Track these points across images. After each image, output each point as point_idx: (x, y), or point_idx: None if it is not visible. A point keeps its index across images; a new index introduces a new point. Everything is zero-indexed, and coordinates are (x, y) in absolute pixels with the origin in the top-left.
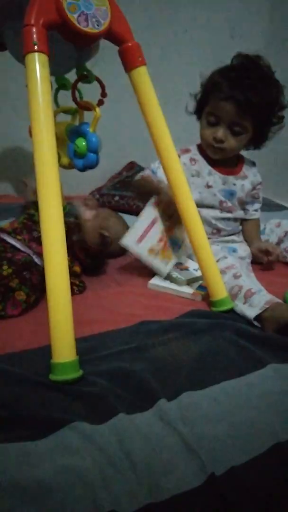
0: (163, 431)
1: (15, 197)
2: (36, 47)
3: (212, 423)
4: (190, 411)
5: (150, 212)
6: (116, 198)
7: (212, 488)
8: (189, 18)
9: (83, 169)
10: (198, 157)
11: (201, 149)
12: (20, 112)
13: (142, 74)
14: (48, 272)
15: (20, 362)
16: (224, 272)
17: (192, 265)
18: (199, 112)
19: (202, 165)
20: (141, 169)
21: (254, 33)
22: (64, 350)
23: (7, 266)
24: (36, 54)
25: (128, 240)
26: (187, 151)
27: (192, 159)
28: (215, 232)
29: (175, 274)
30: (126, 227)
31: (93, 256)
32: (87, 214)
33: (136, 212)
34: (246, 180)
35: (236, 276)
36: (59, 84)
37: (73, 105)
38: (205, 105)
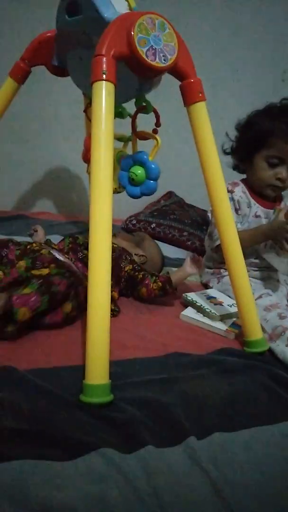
0: (192, 471)
1: (53, 214)
2: (104, 76)
3: (243, 471)
4: (220, 454)
5: None
6: (153, 225)
7: None
8: (241, 57)
9: (139, 196)
10: (245, 190)
11: (244, 184)
12: (67, 135)
13: (200, 109)
14: (91, 295)
15: (50, 378)
16: (269, 309)
17: (227, 300)
18: (248, 155)
19: (250, 198)
20: (179, 199)
21: None
22: (98, 372)
23: (69, 275)
24: (104, 82)
25: None
26: (236, 184)
27: (243, 192)
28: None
29: (209, 308)
30: (160, 253)
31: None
32: (190, 269)
33: (171, 241)
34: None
35: (281, 316)
36: (116, 112)
37: (125, 133)
38: (260, 148)
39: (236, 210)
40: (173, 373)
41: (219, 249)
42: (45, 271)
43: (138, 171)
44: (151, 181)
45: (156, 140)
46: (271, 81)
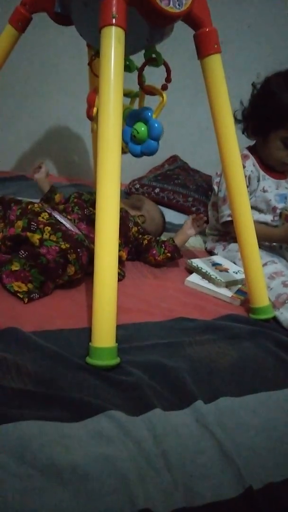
0: (199, 434)
1: (55, 176)
2: (114, 21)
3: (250, 434)
4: (227, 417)
5: None
6: (157, 190)
7: (249, 502)
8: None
9: (140, 155)
10: (255, 162)
11: (252, 154)
12: (71, 91)
13: (216, 62)
14: (97, 257)
15: (56, 340)
16: (272, 277)
17: (232, 267)
18: (263, 130)
19: (259, 170)
20: (183, 163)
21: None
22: (105, 335)
23: (63, 241)
24: (114, 28)
25: None
26: (246, 157)
27: (254, 165)
28: None
29: (214, 275)
30: (161, 213)
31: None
32: (191, 231)
33: (176, 206)
34: None
35: (285, 284)
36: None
37: (132, 88)
38: (279, 127)
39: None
40: (179, 337)
41: (226, 225)
42: (36, 236)
43: (141, 128)
44: (152, 141)
45: (162, 96)
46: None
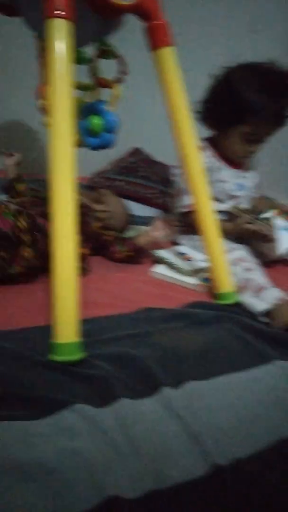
0: (167, 419)
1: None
2: (61, 13)
3: (217, 414)
4: (194, 400)
5: None
6: (120, 182)
7: (216, 479)
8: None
9: (96, 148)
10: (214, 153)
11: (210, 144)
12: (20, 84)
13: (168, 55)
14: (56, 252)
15: (18, 340)
16: (236, 263)
17: (197, 256)
18: (223, 124)
19: (217, 161)
20: (146, 156)
21: (274, 29)
22: (67, 331)
23: (23, 220)
24: (61, 20)
25: None
26: (203, 148)
27: (213, 156)
28: None
29: (179, 264)
30: (124, 207)
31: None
32: (157, 233)
33: (139, 199)
34: (251, 171)
35: (247, 269)
36: (75, 56)
37: (86, 81)
38: (239, 123)
39: None
40: (146, 327)
41: (185, 216)
42: None
43: (96, 121)
44: (108, 134)
45: (116, 88)
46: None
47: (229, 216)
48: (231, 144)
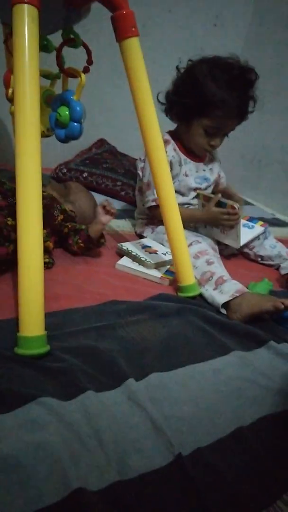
0: (131, 410)
1: None
2: None
3: (179, 405)
4: (158, 392)
5: None
6: (85, 174)
7: (179, 468)
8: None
9: (64, 139)
10: (176, 147)
11: (173, 138)
12: None
13: (133, 45)
14: (21, 244)
15: None
16: (197, 256)
17: (161, 249)
18: (186, 116)
19: (180, 154)
20: (111, 147)
21: (237, 23)
22: (32, 324)
23: (11, 218)
24: (26, 6)
25: None
26: (167, 142)
27: (174, 149)
28: None
29: (144, 257)
30: (92, 203)
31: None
32: (104, 219)
33: (104, 191)
34: (213, 163)
35: (209, 262)
36: (41, 44)
37: (52, 69)
38: (201, 115)
39: None
40: (110, 320)
41: (151, 210)
42: None
43: (64, 111)
44: (75, 123)
45: (80, 77)
46: (203, 24)
47: (199, 201)
48: (194, 137)
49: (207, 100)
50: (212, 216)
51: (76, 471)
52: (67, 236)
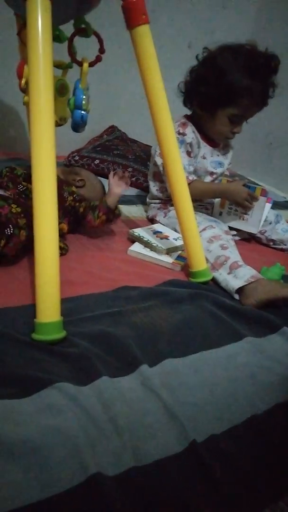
0: (145, 396)
1: None
2: None
3: (193, 391)
4: (171, 378)
5: None
6: (97, 161)
7: (194, 454)
8: None
9: (72, 126)
10: (194, 129)
11: (192, 121)
12: (2, 63)
13: (144, 33)
14: (37, 233)
15: (0, 319)
16: (211, 241)
17: (172, 234)
18: (210, 107)
19: (198, 137)
20: (122, 133)
21: (246, 4)
22: (49, 310)
23: (15, 205)
24: None
25: None
26: (185, 125)
27: (193, 131)
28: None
29: (155, 243)
30: (99, 180)
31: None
32: (118, 189)
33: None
34: (227, 149)
35: (223, 247)
36: (53, 35)
37: (63, 59)
38: (227, 105)
39: (189, 153)
40: (123, 306)
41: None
42: None
43: (72, 99)
44: (77, 110)
45: (82, 65)
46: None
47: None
48: (218, 125)
49: (233, 89)
50: (237, 189)
51: (93, 456)
52: (84, 215)
